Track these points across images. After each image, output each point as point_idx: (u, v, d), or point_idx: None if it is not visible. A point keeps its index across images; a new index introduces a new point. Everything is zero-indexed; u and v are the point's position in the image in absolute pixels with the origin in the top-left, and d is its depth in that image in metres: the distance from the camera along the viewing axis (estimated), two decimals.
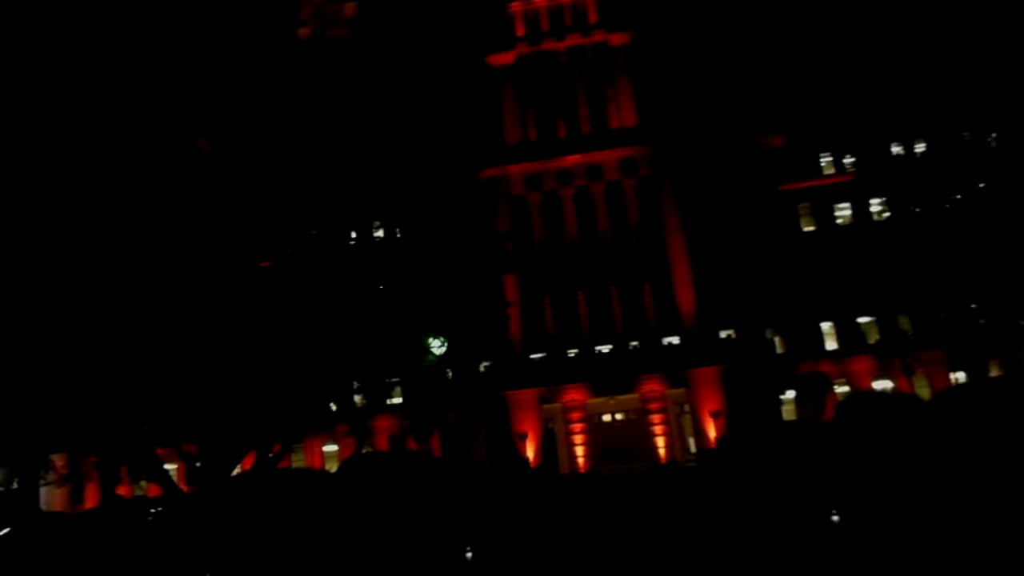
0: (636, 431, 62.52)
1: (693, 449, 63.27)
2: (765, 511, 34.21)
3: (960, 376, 63.97)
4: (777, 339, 67.51)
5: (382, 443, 64.89)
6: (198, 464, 31.81)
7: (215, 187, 32.37)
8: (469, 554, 26.75)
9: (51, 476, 48.23)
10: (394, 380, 41.63)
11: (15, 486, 75.00)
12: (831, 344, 67.95)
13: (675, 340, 66.10)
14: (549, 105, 76.81)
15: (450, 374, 58.94)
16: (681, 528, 32.33)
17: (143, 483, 72.17)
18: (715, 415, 57.12)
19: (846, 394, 65.06)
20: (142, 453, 31.38)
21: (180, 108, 33.17)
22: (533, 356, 67.22)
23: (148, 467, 31.69)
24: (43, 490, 73.01)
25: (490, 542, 28.15)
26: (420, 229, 60.99)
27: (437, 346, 35.13)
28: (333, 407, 34.80)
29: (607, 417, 65.39)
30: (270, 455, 33.50)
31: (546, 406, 61.24)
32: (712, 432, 57.25)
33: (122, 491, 72.43)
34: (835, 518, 24.94)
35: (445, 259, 46.69)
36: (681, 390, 60.50)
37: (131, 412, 30.01)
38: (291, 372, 31.63)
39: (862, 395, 46.08)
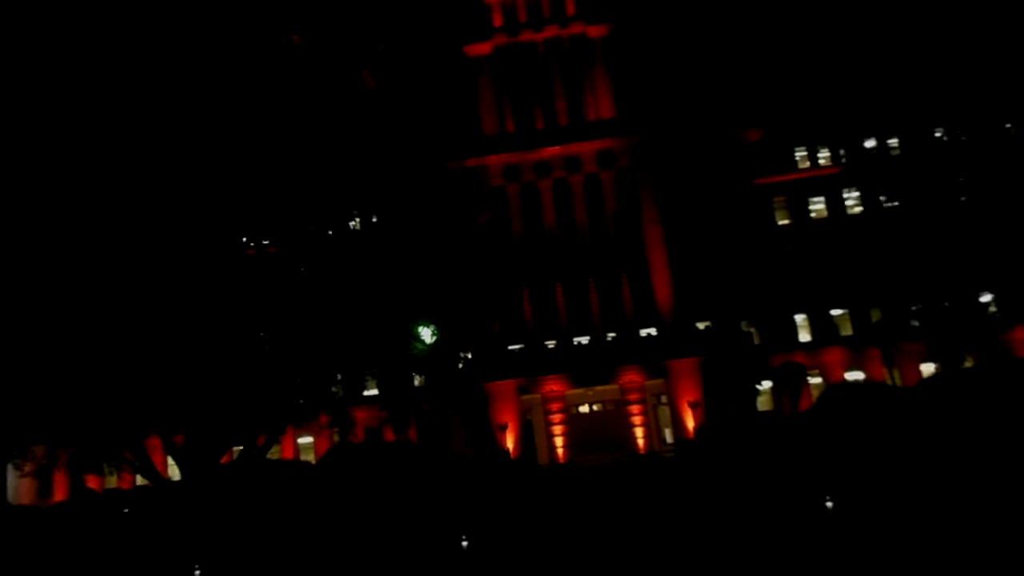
0: (614, 422, 62.83)
1: (669, 440, 63.78)
2: (749, 499, 34.56)
3: (930, 367, 65.24)
4: (752, 331, 68.22)
5: (359, 434, 64.42)
6: (184, 454, 31.24)
7: (203, 181, 31.89)
8: (465, 543, 26.62)
9: (27, 467, 47.24)
10: (374, 370, 41.34)
11: None
12: (805, 336, 68.90)
13: (652, 332, 66.50)
14: (527, 96, 76.59)
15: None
16: (665, 516, 32.55)
17: (113, 475, 70.99)
18: (693, 405, 57.66)
19: (819, 385, 66.26)
20: (129, 443, 30.77)
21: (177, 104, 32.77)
22: (511, 347, 67.13)
23: (135, 457, 31.08)
24: (9, 483, 71.38)
25: (482, 532, 28.06)
26: (400, 219, 60.43)
27: (427, 335, 34.93)
28: (316, 397, 34.36)
29: (584, 408, 65.63)
30: (255, 446, 33.04)
31: (525, 397, 61.26)
32: (691, 422, 57.75)
33: (92, 483, 71.14)
34: (828, 505, 25.23)
35: (428, 249, 46.54)
36: (659, 381, 60.91)
37: (120, 402, 29.46)
38: (279, 362, 31.27)
39: (846, 385, 46.75)
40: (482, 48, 78.32)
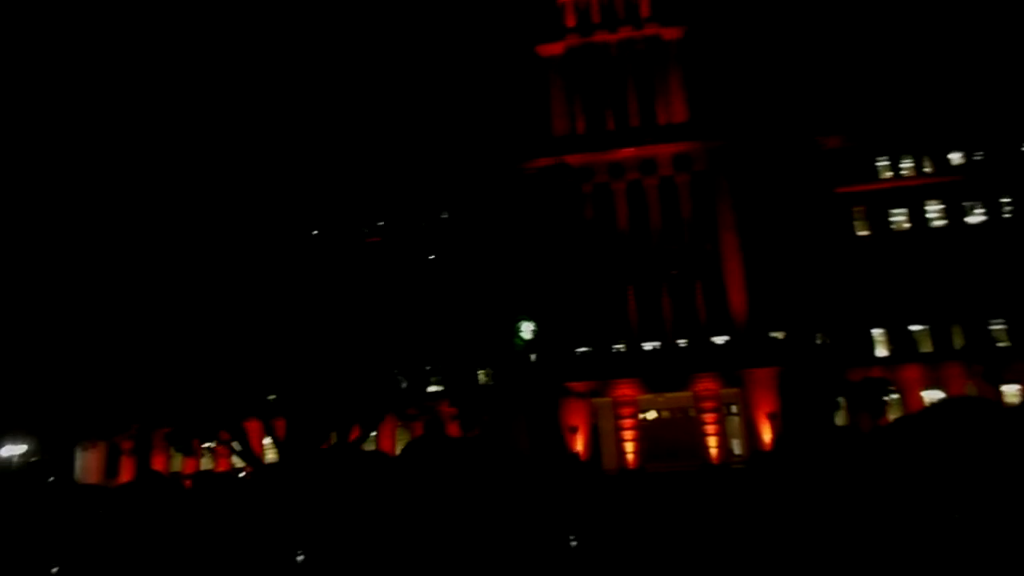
0: (683, 429, 61.68)
1: (737, 451, 62.41)
2: (838, 516, 33.23)
3: (1013, 388, 62.94)
4: (826, 343, 66.48)
5: (418, 429, 64.13)
6: (285, 439, 31.14)
7: (317, 177, 32.12)
8: (574, 543, 25.96)
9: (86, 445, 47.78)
10: (469, 364, 41.03)
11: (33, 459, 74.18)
12: (881, 351, 66.95)
13: (724, 339, 65.13)
14: (598, 97, 75.94)
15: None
16: (751, 528, 31.44)
17: (179, 458, 71.76)
18: (771, 417, 56.15)
19: (896, 401, 64.29)
20: (229, 424, 30.79)
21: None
22: (579, 350, 66.32)
23: (234, 437, 31.07)
24: (77, 463, 72.67)
25: (586, 533, 27.37)
26: (483, 219, 59.96)
27: (528, 330, 34.43)
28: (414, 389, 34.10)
29: (651, 415, 64.56)
30: (351, 435, 32.84)
31: (595, 400, 60.39)
32: (767, 434, 56.31)
33: (157, 466, 72.10)
34: (954, 520, 23.97)
35: (511, 248, 45.88)
36: (735, 390, 59.60)
37: (225, 385, 29.55)
38: (382, 353, 31.06)
39: (956, 400, 45.00)
40: (554, 48, 77.90)
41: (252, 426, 32.72)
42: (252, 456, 31.50)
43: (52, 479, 74.97)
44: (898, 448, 49.14)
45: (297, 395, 31.22)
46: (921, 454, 37.76)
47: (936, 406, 42.43)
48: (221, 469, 70.43)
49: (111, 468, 71.50)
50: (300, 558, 26.65)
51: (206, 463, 71.70)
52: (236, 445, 31.49)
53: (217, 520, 32.88)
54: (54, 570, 27.24)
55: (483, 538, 27.73)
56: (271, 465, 33.91)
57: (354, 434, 32.74)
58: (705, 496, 43.70)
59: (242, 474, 56.59)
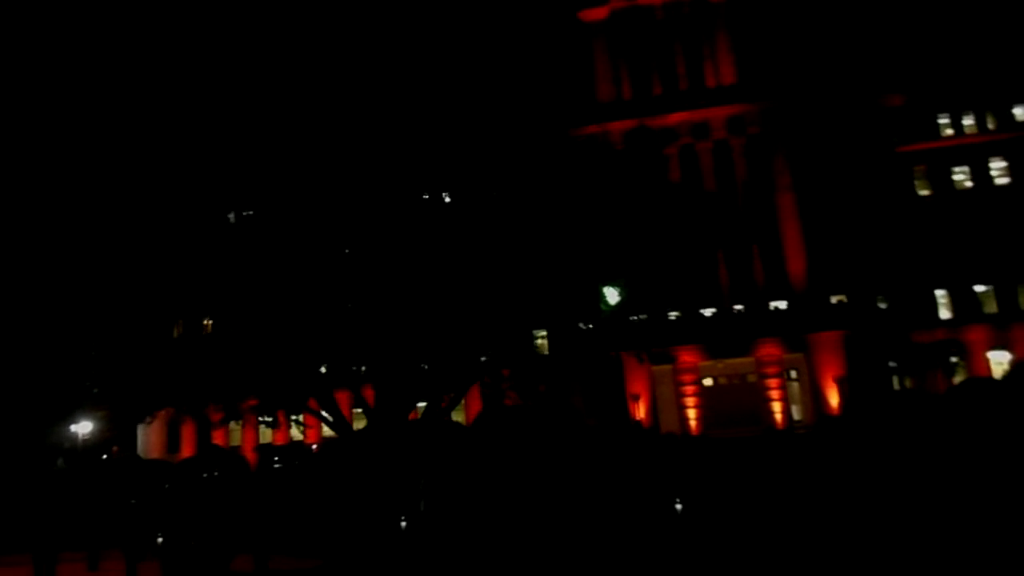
0: (745, 395, 61.16)
1: (797, 416, 61.79)
2: (910, 479, 32.62)
3: None
4: (887, 306, 65.43)
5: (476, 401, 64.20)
6: (374, 409, 31.21)
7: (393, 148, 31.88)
8: (679, 506, 25.76)
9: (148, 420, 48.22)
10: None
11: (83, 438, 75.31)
12: (945, 313, 65.74)
13: (783, 304, 64.29)
14: (643, 62, 74.64)
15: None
16: (833, 491, 30.94)
17: (237, 431, 72.71)
18: (838, 381, 55.45)
19: (960, 364, 63.24)
20: (321, 394, 30.89)
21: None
22: (634, 317, 65.68)
23: (324, 408, 31.19)
24: (140, 438, 73.90)
25: (687, 497, 27.10)
26: (536, 187, 59.19)
27: (614, 295, 34.04)
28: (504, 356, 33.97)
29: (708, 381, 63.96)
30: (440, 404, 32.82)
31: (656, 368, 59.92)
32: (834, 399, 55.65)
33: (218, 439, 73.00)
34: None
35: (579, 217, 45.35)
36: (797, 355, 58.89)
37: (316, 356, 29.62)
38: (468, 322, 30.85)
39: None
40: (598, 13, 76.61)
41: (341, 396, 32.78)
42: (344, 425, 31.60)
43: (117, 453, 76.46)
44: (968, 410, 48.40)
45: (388, 365, 31.18)
46: (991, 416, 37.04)
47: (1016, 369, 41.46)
48: (280, 442, 71.27)
49: (172, 443, 72.59)
50: (403, 523, 26.73)
51: (265, 436, 72.64)
52: (327, 415, 31.59)
53: (315, 485, 33.17)
54: (159, 539, 27.42)
55: (586, 505, 27.62)
56: (360, 432, 33.97)
57: (444, 403, 32.73)
58: (780, 460, 43.29)
59: (314, 446, 57.23)
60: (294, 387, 30.62)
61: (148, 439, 71.97)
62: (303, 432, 68.19)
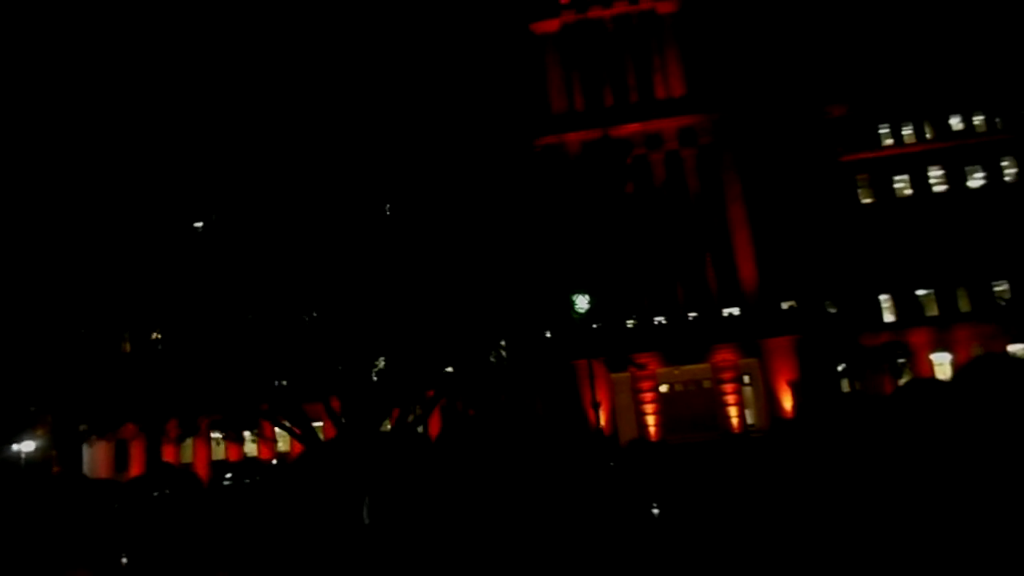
0: (701, 401, 62.17)
1: (750, 420, 63.01)
2: (870, 480, 33.66)
3: (1018, 347, 64.21)
4: (834, 311, 67.30)
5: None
6: (343, 420, 30.80)
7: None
8: (656, 511, 26.04)
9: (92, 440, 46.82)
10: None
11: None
12: (889, 316, 67.87)
13: (736, 311, 65.60)
14: (595, 74, 75.70)
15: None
16: (797, 490, 31.76)
17: (189, 448, 70.83)
18: (792, 385, 56.79)
19: (903, 365, 65.31)
20: (290, 409, 30.36)
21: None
22: (593, 325, 66.27)
23: (295, 422, 30.66)
24: (85, 457, 71.40)
25: (664, 502, 27.46)
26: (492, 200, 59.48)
27: (584, 302, 34.29)
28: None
29: (664, 388, 64.83)
30: (409, 416, 32.58)
31: (614, 375, 60.58)
32: (787, 402, 56.95)
33: (168, 457, 71.05)
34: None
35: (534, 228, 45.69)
36: (753, 360, 60.14)
37: (285, 370, 29.14)
38: (434, 334, 30.75)
39: (990, 357, 45.73)
40: (549, 25, 77.48)
41: (309, 408, 32.30)
42: (312, 438, 31.10)
43: (58, 472, 73.69)
44: (914, 411, 50.05)
45: (355, 376, 30.87)
46: (940, 414, 38.45)
47: (969, 365, 43.09)
48: (233, 458, 69.72)
49: (120, 461, 70.34)
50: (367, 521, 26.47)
51: (218, 452, 70.99)
52: (293, 428, 31.06)
53: (285, 500, 32.54)
54: (124, 560, 26.69)
55: (564, 511, 27.70)
56: (326, 444, 33.46)
57: (412, 415, 32.52)
58: (740, 463, 44.13)
59: (274, 460, 56.14)
60: (259, 399, 30.06)
61: (94, 457, 69.61)
62: (261, 447, 66.93)
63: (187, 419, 30.82)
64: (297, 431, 31.24)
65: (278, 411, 30.94)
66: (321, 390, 31.26)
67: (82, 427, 33.82)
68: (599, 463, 35.07)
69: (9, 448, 64.04)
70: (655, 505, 25.96)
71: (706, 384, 64.35)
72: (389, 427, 35.87)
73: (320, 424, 35.89)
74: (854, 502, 27.23)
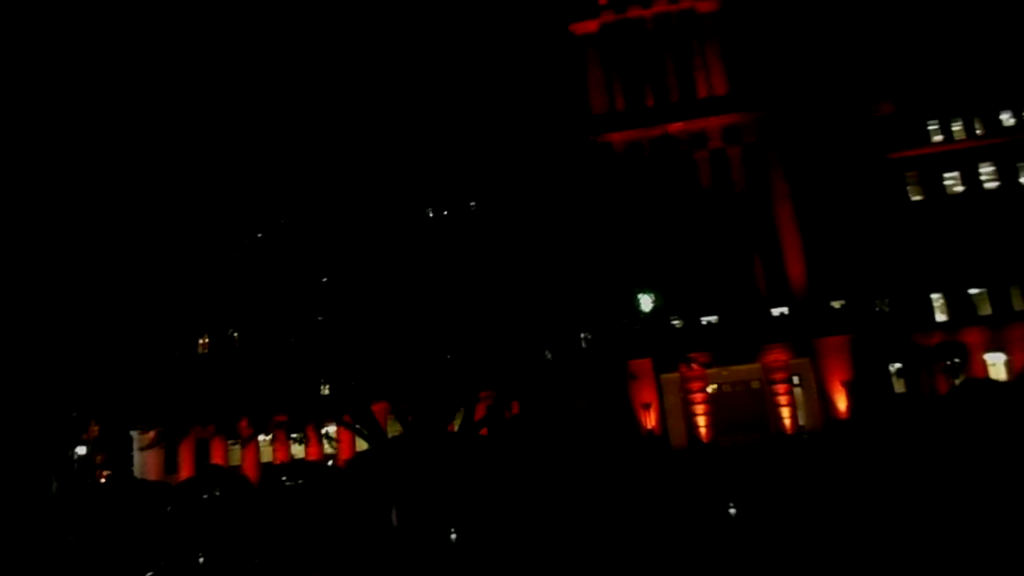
0: (751, 402, 61.52)
1: (802, 421, 62.13)
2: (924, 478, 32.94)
3: None
4: (886, 310, 66.27)
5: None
6: (412, 421, 30.92)
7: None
8: (732, 510, 25.76)
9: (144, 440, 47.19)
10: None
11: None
12: (940, 315, 66.71)
13: (784, 311, 64.83)
14: (635, 73, 75.40)
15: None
16: (863, 490, 31.14)
17: (237, 450, 71.50)
18: (846, 385, 55.97)
19: (958, 365, 64.08)
20: (357, 408, 30.54)
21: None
22: (639, 326, 65.85)
23: (363, 422, 30.82)
24: (136, 460, 72.40)
25: (742, 503, 27.15)
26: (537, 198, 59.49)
27: (647, 302, 34.15)
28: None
29: (712, 388, 64.15)
30: (475, 416, 32.64)
31: (663, 376, 60.15)
32: (842, 403, 56.14)
33: (216, 459, 71.76)
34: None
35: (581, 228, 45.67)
36: (804, 360, 59.37)
37: (358, 372, 29.39)
38: (504, 332, 30.79)
39: None
40: (589, 26, 77.31)
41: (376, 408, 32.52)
42: (380, 437, 31.24)
43: (109, 476, 74.72)
44: (971, 411, 49.12)
45: (419, 377, 30.99)
46: (997, 415, 37.71)
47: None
48: (280, 460, 70.17)
49: (170, 464, 71.12)
50: (454, 536, 26.42)
51: (265, 454, 71.54)
52: (361, 427, 31.23)
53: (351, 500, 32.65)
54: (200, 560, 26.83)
55: (634, 514, 27.49)
56: (393, 441, 33.54)
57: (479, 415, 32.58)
58: (803, 465, 43.52)
59: (330, 462, 56.48)
60: (328, 399, 30.30)
61: (144, 460, 70.46)
62: (308, 449, 67.31)
63: (259, 418, 31.10)
64: (364, 431, 31.40)
65: (345, 410, 31.13)
66: (386, 390, 31.45)
67: (153, 431, 34.29)
68: (659, 464, 34.78)
69: (63, 450, 65.22)
70: (731, 505, 25.61)
71: (754, 385, 63.67)
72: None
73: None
74: (921, 504, 26.76)
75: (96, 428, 77.10)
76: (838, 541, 21.26)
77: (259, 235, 31.69)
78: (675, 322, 65.76)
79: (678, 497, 29.24)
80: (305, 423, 32.62)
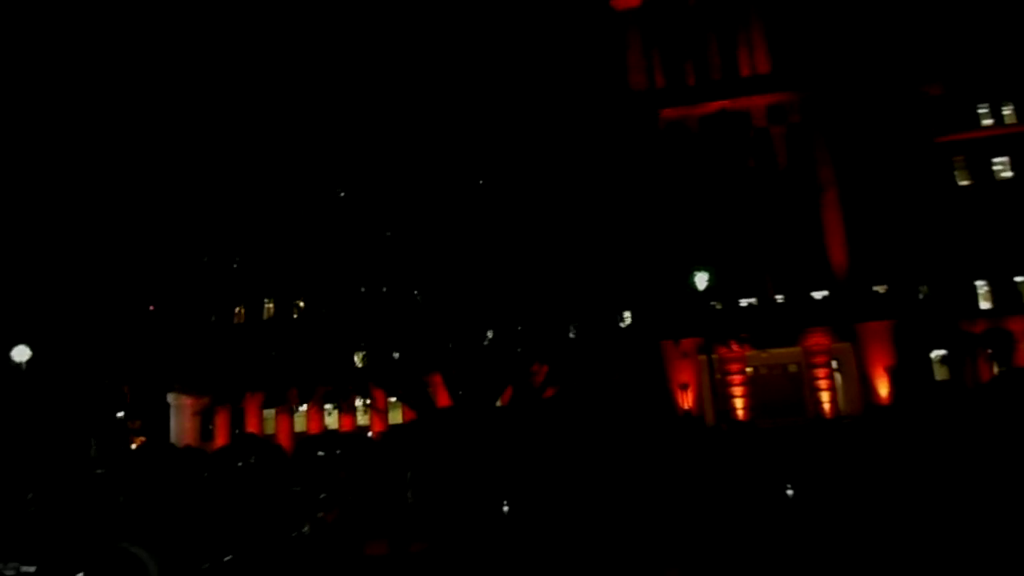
0: (789, 385, 60.97)
1: (841, 406, 61.49)
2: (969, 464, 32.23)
3: None
4: (928, 296, 65.26)
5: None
6: (463, 394, 30.87)
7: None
8: (790, 491, 25.48)
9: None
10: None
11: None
12: (985, 303, 65.57)
13: (824, 294, 63.99)
14: (677, 51, 74.35)
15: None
16: (907, 474, 30.56)
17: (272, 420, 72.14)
18: (888, 370, 55.25)
19: (1004, 353, 63.09)
20: (407, 379, 30.54)
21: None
22: (670, 308, 65.30)
23: (414, 393, 30.83)
24: (172, 426, 73.34)
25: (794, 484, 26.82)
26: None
27: (702, 280, 33.80)
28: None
29: (751, 370, 63.59)
30: (530, 389, 32.57)
31: (701, 357, 59.65)
32: (883, 388, 55.45)
33: (251, 428, 72.58)
34: None
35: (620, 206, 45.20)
36: (845, 345, 58.63)
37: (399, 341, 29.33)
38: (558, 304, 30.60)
39: None
40: (630, 1, 76.19)
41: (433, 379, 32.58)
42: (431, 406, 31.28)
43: (143, 442, 75.80)
44: (1014, 398, 48.31)
45: (467, 351, 30.91)
46: None
47: None
48: (314, 431, 70.75)
49: (205, 431, 72.03)
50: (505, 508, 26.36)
51: (299, 424, 72.21)
52: (411, 399, 31.26)
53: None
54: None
55: (699, 492, 27.27)
56: (441, 413, 33.51)
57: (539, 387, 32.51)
58: (851, 448, 42.96)
59: (370, 433, 56.82)
60: (377, 369, 30.32)
61: (180, 427, 71.44)
62: (342, 419, 67.73)
63: (308, 388, 31.22)
64: (414, 402, 31.41)
65: (395, 381, 31.15)
66: (436, 361, 31.42)
67: (204, 398, 34.52)
68: (703, 443, 34.53)
69: (103, 415, 66.12)
70: (789, 487, 25.31)
71: (791, 369, 63.07)
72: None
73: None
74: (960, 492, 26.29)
75: (127, 392, 77.90)
76: (904, 522, 20.94)
77: (324, 199, 31.61)
78: (716, 304, 65.13)
79: (732, 476, 28.97)
80: (353, 393, 32.68)
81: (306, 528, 21.84)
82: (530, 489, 28.49)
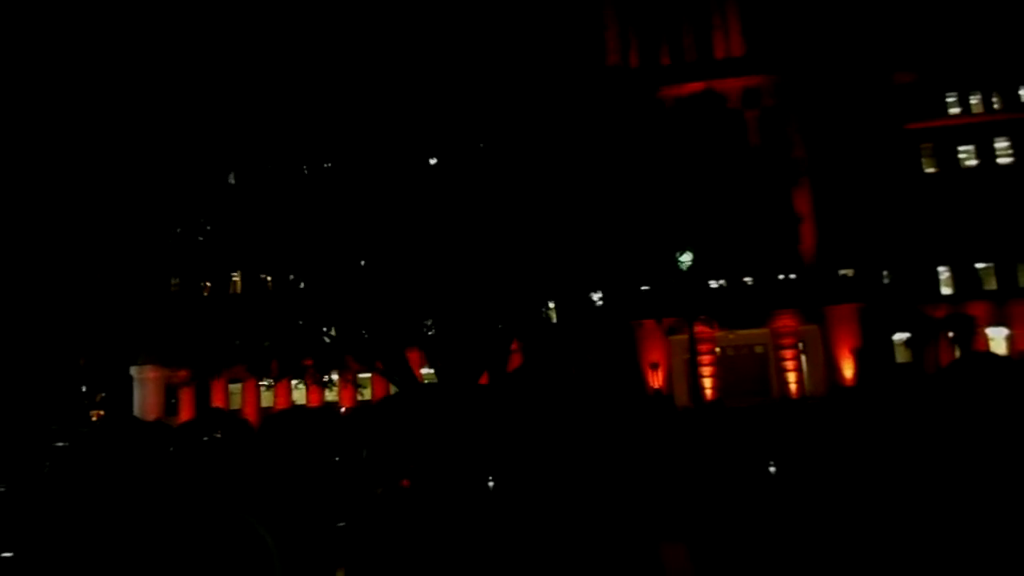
0: (756, 365, 61.90)
1: (806, 386, 62.59)
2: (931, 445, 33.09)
3: None
4: (892, 280, 66.63)
5: None
6: (444, 370, 30.69)
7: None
8: (773, 469, 25.85)
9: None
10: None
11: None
12: (946, 289, 67.12)
13: (792, 277, 64.88)
14: (653, 32, 74.38)
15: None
16: (881, 452, 31.22)
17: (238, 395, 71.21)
18: (854, 352, 56.37)
19: (964, 337, 64.72)
20: (394, 356, 30.24)
21: None
22: (644, 288, 65.76)
23: (395, 368, 30.55)
24: (136, 400, 71.97)
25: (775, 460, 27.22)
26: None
27: (687, 259, 33.90)
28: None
29: (717, 350, 64.33)
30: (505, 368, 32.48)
31: (671, 337, 60.28)
32: (848, 370, 56.57)
33: (216, 402, 71.50)
34: None
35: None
36: (812, 327, 59.60)
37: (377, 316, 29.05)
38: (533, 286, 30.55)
39: None
40: None
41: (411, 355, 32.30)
42: (414, 384, 31.04)
43: (102, 416, 74.31)
44: (976, 382, 49.62)
45: (444, 328, 30.75)
46: (997, 388, 37.96)
47: None
48: (281, 406, 69.95)
49: (170, 406, 70.85)
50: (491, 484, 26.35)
51: (266, 399, 71.31)
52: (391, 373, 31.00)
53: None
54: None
55: (679, 468, 27.50)
56: (423, 388, 33.28)
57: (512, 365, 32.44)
58: (813, 428, 43.74)
59: (343, 409, 56.26)
60: (366, 344, 29.97)
61: (144, 401, 70.18)
62: (309, 395, 67.13)
63: (289, 361, 30.77)
64: (396, 377, 31.15)
65: (375, 354, 30.86)
66: (413, 337, 31.17)
67: (171, 370, 33.82)
68: (674, 421, 34.87)
69: (71, 388, 64.57)
70: (771, 464, 25.66)
71: (757, 349, 64.03)
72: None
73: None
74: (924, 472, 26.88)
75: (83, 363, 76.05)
76: (882, 499, 21.31)
77: (299, 172, 31.03)
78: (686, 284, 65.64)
79: (714, 453, 29.29)
80: (333, 368, 32.31)
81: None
82: (513, 466, 28.50)
